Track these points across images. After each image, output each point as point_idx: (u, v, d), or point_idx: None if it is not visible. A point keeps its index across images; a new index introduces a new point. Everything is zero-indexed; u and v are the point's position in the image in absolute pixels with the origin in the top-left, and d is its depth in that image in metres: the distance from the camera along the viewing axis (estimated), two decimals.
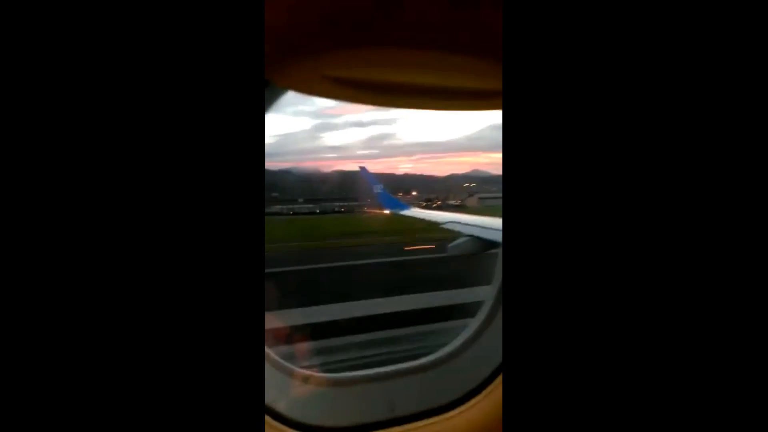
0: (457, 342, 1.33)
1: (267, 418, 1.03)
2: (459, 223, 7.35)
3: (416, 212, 9.13)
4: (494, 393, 1.19)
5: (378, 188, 9.90)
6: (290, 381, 1.15)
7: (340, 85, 0.95)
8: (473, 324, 1.36)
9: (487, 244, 5.92)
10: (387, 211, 9.74)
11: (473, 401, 1.19)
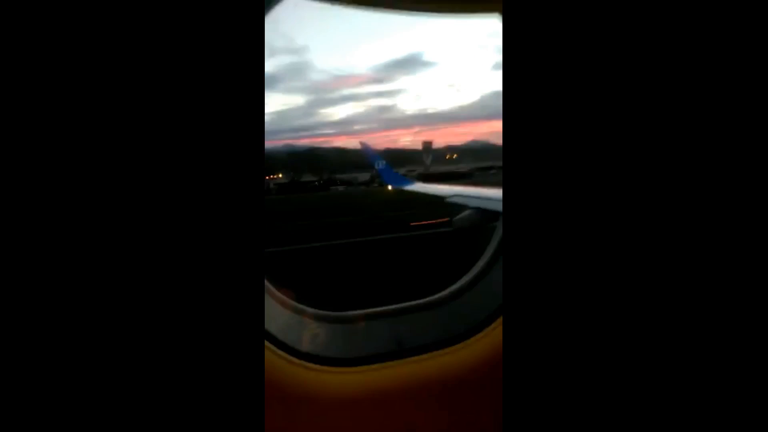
0: (465, 279, 1.33)
1: (275, 348, 1.04)
2: (464, 196, 7.36)
3: (420, 187, 9.12)
4: (498, 328, 1.20)
5: (380, 164, 9.89)
6: (298, 318, 1.17)
7: None
8: (479, 263, 1.35)
9: (492, 215, 5.93)
10: (390, 187, 9.75)
11: (479, 335, 1.20)
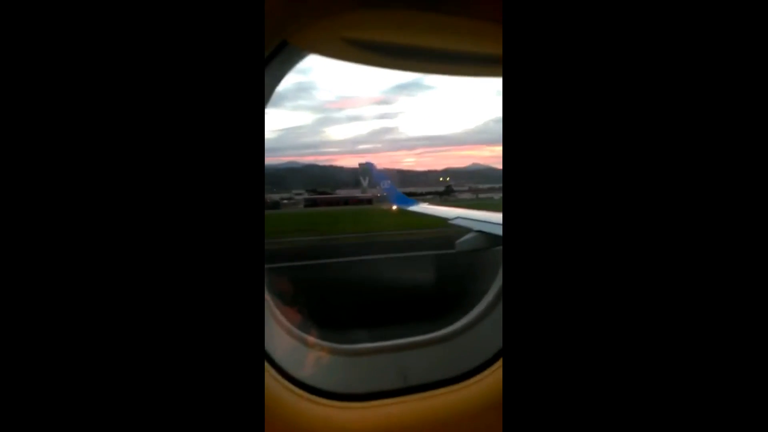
0: (470, 317, 1.33)
1: (285, 382, 1.04)
2: (468, 219, 7.34)
3: (424, 208, 9.10)
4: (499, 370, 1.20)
5: (385, 184, 9.93)
6: (306, 350, 1.17)
7: (356, 47, 0.96)
8: (484, 300, 1.36)
9: (496, 240, 5.90)
10: (394, 207, 9.75)
11: (485, 373, 1.19)
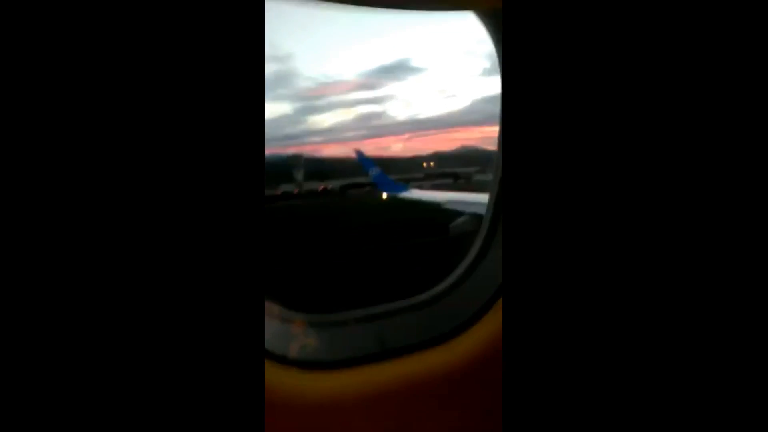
0: (448, 281, 1.34)
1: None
2: (460, 202, 7.41)
3: (416, 194, 9.12)
4: (492, 320, 1.20)
5: (374, 171, 9.94)
6: (281, 323, 1.17)
7: None
8: (461, 266, 1.36)
9: None
10: (384, 195, 9.76)
11: (472, 330, 1.20)
